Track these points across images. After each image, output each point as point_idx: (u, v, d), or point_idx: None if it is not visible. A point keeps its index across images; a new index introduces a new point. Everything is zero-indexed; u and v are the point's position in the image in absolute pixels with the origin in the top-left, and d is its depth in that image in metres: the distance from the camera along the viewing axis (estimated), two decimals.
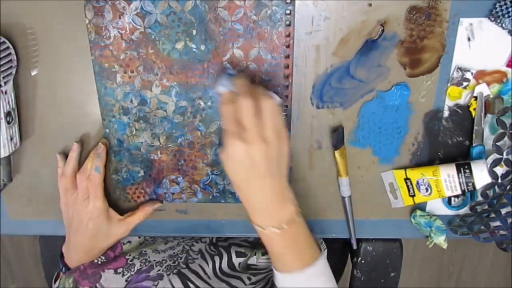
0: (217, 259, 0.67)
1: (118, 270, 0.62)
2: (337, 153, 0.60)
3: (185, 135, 0.60)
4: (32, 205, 0.66)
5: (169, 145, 0.61)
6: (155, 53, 0.56)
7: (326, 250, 0.60)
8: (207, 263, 0.66)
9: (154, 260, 0.64)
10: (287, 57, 0.56)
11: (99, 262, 0.63)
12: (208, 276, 0.63)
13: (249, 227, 0.67)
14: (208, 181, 0.63)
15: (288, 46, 0.55)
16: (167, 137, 0.60)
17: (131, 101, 0.58)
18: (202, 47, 0.55)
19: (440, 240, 0.63)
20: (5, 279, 1.66)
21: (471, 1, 0.53)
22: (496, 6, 0.53)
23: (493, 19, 0.54)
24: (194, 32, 0.54)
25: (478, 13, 0.54)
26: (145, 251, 0.66)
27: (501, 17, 0.53)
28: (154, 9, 0.53)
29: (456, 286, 1.68)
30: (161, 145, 0.61)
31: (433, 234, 0.63)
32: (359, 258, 0.77)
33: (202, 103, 0.58)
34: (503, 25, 0.53)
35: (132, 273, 0.62)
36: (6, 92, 0.55)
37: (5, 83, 0.55)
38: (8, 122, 0.57)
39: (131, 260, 0.64)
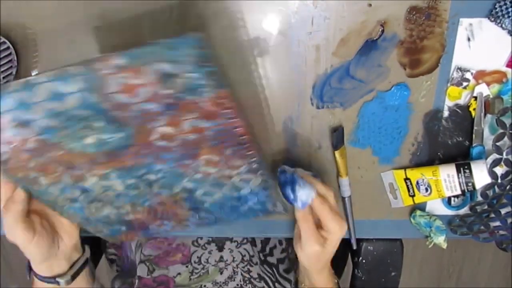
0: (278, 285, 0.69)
1: None
2: (337, 153, 0.60)
3: (150, 200, 0.54)
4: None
5: (138, 209, 0.55)
6: (66, 153, 0.45)
7: None
8: None
9: None
10: (233, 118, 0.44)
11: None
12: None
13: (249, 227, 0.67)
14: (196, 219, 0.58)
15: (229, 108, 0.43)
16: (132, 205, 0.54)
17: (72, 193, 0.51)
18: (120, 135, 0.45)
19: (440, 240, 0.63)
20: (5, 279, 1.66)
21: (471, 1, 0.53)
22: (496, 6, 0.53)
23: (493, 19, 0.54)
24: (100, 123, 0.43)
25: (478, 13, 0.54)
26: (205, 286, 0.65)
27: (501, 17, 0.53)
28: (32, 117, 0.42)
29: (456, 286, 1.68)
30: (130, 211, 0.55)
31: (433, 234, 0.63)
32: (360, 258, 0.77)
33: (152, 177, 0.50)
34: (503, 25, 0.53)
35: None
36: None
37: (5, 83, 0.55)
38: None
39: None
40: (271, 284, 0.67)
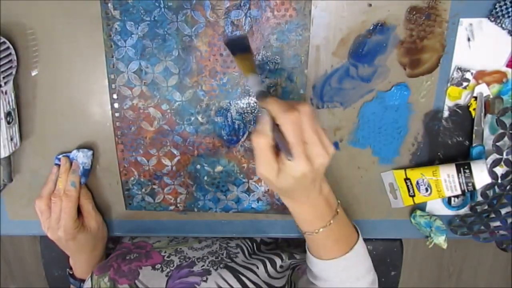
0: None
1: (156, 267, 0.62)
2: (237, 58, 0.52)
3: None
4: (32, 205, 0.66)
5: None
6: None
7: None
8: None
9: (194, 257, 0.64)
10: None
11: (132, 258, 0.64)
12: (256, 268, 0.64)
13: (247, 227, 0.67)
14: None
15: None
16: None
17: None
18: None
19: (440, 240, 0.62)
20: (5, 279, 1.66)
21: (471, 1, 0.53)
22: (496, 6, 0.53)
23: (493, 19, 0.54)
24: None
25: (478, 13, 0.54)
26: (180, 249, 0.66)
27: (501, 17, 0.53)
28: None
29: (456, 286, 1.68)
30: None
31: (433, 234, 0.63)
32: None
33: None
34: (503, 25, 0.53)
35: (172, 268, 0.62)
36: (6, 92, 0.55)
37: (5, 83, 0.55)
38: (8, 122, 0.57)
39: (168, 257, 0.64)
40: (246, 254, 0.68)
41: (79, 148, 0.62)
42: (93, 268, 0.64)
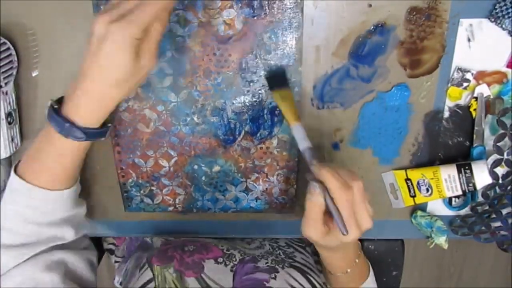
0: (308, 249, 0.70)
1: (219, 260, 0.60)
2: (275, 94, 0.53)
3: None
4: None
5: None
6: None
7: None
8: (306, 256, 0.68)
9: (253, 254, 0.63)
10: None
11: (191, 249, 0.61)
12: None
13: (248, 227, 0.67)
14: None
15: None
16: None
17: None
18: None
19: (441, 240, 0.62)
20: None
21: (471, 2, 0.53)
22: (496, 7, 0.53)
23: (493, 19, 0.54)
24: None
25: (478, 14, 0.54)
26: (234, 243, 0.65)
27: (501, 17, 0.53)
28: None
29: (457, 287, 1.68)
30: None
31: (433, 235, 0.63)
32: None
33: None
34: (503, 25, 0.53)
35: (235, 262, 0.60)
36: (6, 93, 0.56)
37: (5, 83, 0.55)
38: (9, 123, 0.57)
39: (227, 250, 0.62)
40: (301, 249, 0.68)
41: None
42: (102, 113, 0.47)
